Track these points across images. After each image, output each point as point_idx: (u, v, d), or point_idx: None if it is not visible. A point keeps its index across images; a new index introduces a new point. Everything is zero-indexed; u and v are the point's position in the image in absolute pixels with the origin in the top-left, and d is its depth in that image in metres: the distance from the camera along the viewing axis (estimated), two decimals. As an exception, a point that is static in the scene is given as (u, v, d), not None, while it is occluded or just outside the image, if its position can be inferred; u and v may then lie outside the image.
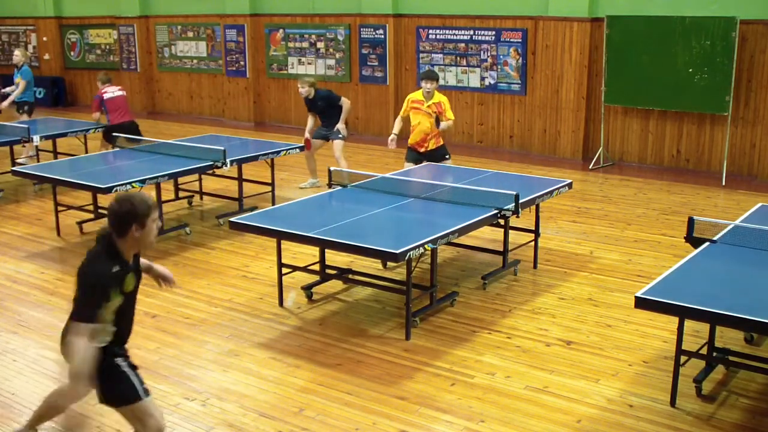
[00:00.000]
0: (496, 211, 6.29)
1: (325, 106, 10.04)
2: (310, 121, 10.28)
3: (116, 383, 3.80)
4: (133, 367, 3.89)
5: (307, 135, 10.14)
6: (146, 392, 3.84)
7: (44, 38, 18.45)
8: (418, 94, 8.42)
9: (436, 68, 13.07)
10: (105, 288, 3.60)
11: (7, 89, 12.03)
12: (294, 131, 14.36)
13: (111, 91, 10.45)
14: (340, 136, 10.03)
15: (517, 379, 5.13)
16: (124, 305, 3.78)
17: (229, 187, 9.68)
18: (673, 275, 4.84)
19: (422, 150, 8.46)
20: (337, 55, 14.17)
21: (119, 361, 3.83)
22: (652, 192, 10.03)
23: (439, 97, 8.38)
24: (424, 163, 8.34)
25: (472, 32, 12.63)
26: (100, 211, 8.50)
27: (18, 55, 12.06)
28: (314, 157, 10.26)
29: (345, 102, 10.07)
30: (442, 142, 8.55)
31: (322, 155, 10.67)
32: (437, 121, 8.26)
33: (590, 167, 11.44)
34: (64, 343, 3.77)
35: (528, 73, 12.18)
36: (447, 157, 8.66)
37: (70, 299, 6.55)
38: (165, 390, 5.03)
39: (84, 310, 3.60)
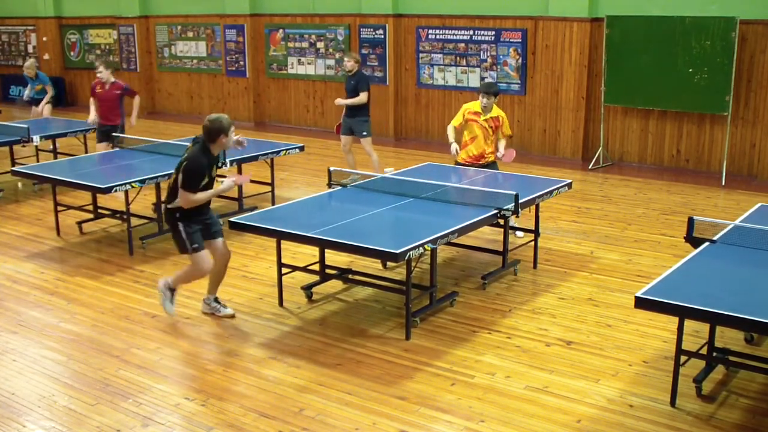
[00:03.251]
0: (495, 211, 6.29)
1: (353, 88, 10.06)
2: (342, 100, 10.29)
3: (176, 237, 5.88)
4: (190, 231, 5.81)
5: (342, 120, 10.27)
6: (195, 249, 5.82)
7: (44, 38, 18.45)
8: (476, 105, 7.85)
9: (435, 68, 13.09)
10: (201, 172, 5.70)
11: (25, 95, 12.97)
12: (294, 131, 14.38)
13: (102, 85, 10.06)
14: (364, 133, 10.10)
15: (517, 379, 5.13)
16: (207, 185, 5.80)
17: (229, 187, 9.66)
18: (673, 275, 4.84)
19: (479, 163, 7.90)
20: (337, 55, 14.17)
21: (181, 224, 5.79)
22: (652, 192, 10.03)
23: (497, 111, 7.87)
24: (426, 163, 8.32)
25: (471, 32, 12.63)
26: (99, 211, 8.50)
27: (29, 65, 12.78)
28: (350, 151, 10.33)
29: (363, 96, 10.00)
30: (494, 159, 7.97)
31: (325, 156, 10.65)
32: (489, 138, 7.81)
33: (590, 167, 11.44)
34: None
35: (528, 73, 12.19)
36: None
37: (69, 299, 6.58)
38: (165, 390, 5.03)
39: (190, 183, 5.66)
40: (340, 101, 10.11)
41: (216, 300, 6.20)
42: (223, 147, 5.88)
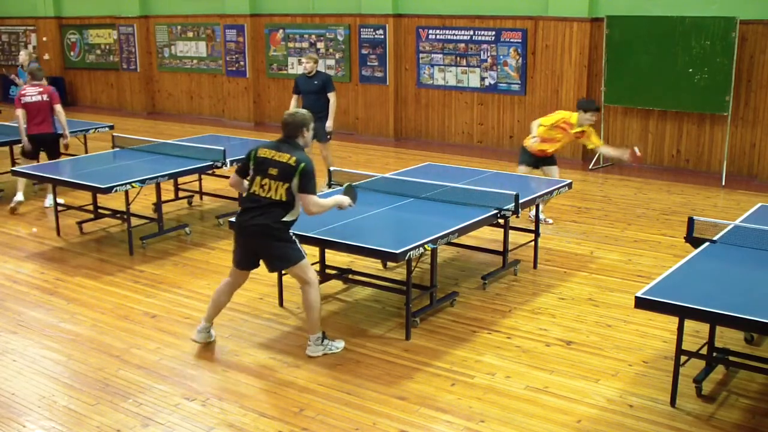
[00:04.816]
0: (495, 211, 6.29)
1: (319, 89, 9.73)
2: (294, 103, 9.91)
3: (289, 249, 5.31)
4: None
5: None
6: (305, 255, 5.37)
7: (44, 38, 18.45)
8: (573, 117, 8.21)
9: (435, 68, 13.09)
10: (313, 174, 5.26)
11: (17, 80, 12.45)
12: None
13: (29, 94, 9.12)
14: (328, 137, 9.82)
15: (517, 379, 5.13)
16: None
17: (229, 187, 9.65)
18: (673, 275, 4.84)
19: (540, 154, 8.44)
20: (337, 55, 14.17)
21: (291, 233, 5.36)
22: (652, 192, 10.03)
23: (587, 126, 8.27)
24: (426, 163, 8.32)
25: (471, 32, 12.63)
26: (99, 211, 8.50)
27: (23, 55, 12.32)
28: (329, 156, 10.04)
29: (333, 98, 9.78)
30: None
31: (321, 155, 10.64)
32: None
33: (590, 167, 11.44)
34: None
35: (528, 73, 12.19)
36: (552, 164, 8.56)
37: (69, 299, 6.57)
38: (165, 390, 5.03)
39: (313, 188, 5.22)
40: (330, 124, 9.69)
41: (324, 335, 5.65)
42: (307, 143, 5.45)
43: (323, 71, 10.10)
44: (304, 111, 5.49)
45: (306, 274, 5.36)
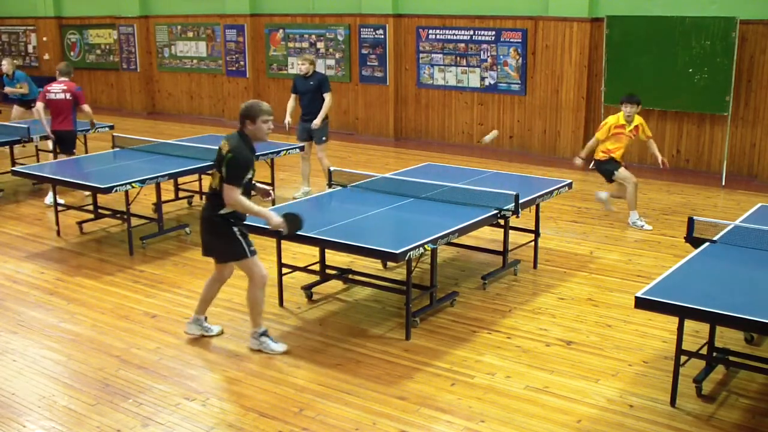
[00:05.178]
0: (496, 211, 6.29)
1: (314, 89, 9.64)
2: (291, 103, 9.93)
3: (229, 243, 5.32)
4: (245, 235, 5.36)
5: (288, 119, 9.79)
6: (253, 252, 5.36)
7: (44, 38, 18.46)
8: (619, 118, 8.37)
9: (435, 68, 13.09)
10: (246, 165, 5.20)
11: (7, 90, 12.45)
12: (294, 131, 14.35)
13: (54, 91, 9.35)
14: (324, 138, 9.73)
15: (517, 379, 5.13)
16: (251, 181, 5.33)
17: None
18: (673, 275, 4.85)
19: (609, 158, 8.52)
20: (337, 55, 14.17)
21: (235, 228, 5.31)
22: (652, 192, 10.03)
23: (638, 119, 8.43)
24: (426, 163, 8.32)
25: (472, 32, 12.63)
26: (100, 211, 8.50)
27: (5, 64, 12.34)
28: (309, 161, 9.91)
29: (328, 98, 9.65)
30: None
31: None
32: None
33: (590, 167, 11.43)
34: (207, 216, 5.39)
35: (528, 73, 12.18)
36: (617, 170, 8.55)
37: (69, 299, 6.59)
38: (165, 390, 5.03)
39: (235, 177, 5.13)
40: (318, 122, 9.56)
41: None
42: (256, 136, 5.33)
43: (321, 72, 10.07)
44: (254, 102, 5.42)
45: (250, 271, 5.43)
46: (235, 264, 5.49)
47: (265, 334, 5.56)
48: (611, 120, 8.46)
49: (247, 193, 5.31)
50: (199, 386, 5.09)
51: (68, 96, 9.31)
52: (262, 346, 5.53)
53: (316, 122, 9.55)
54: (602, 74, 11.32)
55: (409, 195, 6.82)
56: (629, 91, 8.56)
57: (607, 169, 8.54)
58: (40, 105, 9.34)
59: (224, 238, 5.32)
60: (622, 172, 8.48)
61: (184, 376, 5.22)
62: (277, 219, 5.33)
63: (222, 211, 5.26)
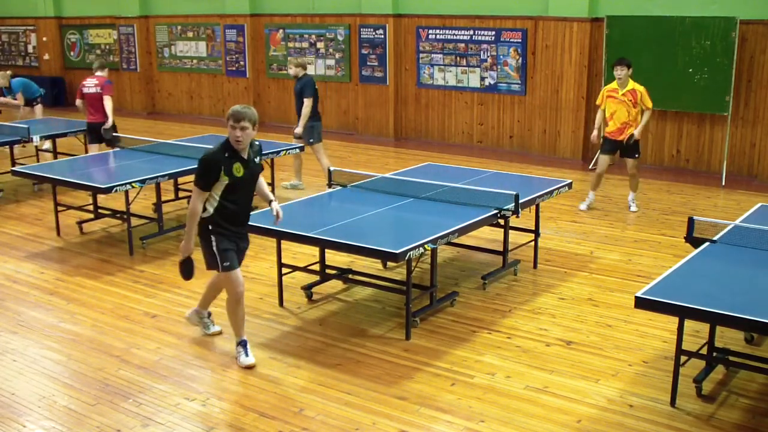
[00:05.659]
0: (495, 211, 6.29)
1: (297, 93, 9.78)
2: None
3: (206, 251, 5.23)
4: (224, 248, 5.15)
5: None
6: (226, 268, 5.17)
7: (44, 38, 18.46)
8: (613, 84, 8.69)
9: (435, 68, 13.09)
10: (209, 166, 4.99)
11: (2, 100, 12.72)
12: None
13: (88, 85, 9.88)
14: (311, 141, 9.74)
15: (517, 379, 5.13)
16: (234, 187, 5.08)
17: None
18: (673, 275, 4.84)
19: (621, 137, 8.73)
20: (337, 55, 14.17)
21: (213, 236, 5.14)
22: (652, 192, 10.03)
23: (634, 85, 8.57)
24: (426, 163, 8.32)
25: (472, 32, 12.63)
26: (100, 211, 8.50)
27: (2, 76, 12.57)
28: (301, 157, 10.02)
29: (308, 103, 9.65)
30: (638, 137, 8.75)
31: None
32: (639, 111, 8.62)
33: (590, 167, 11.43)
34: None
35: (528, 73, 12.18)
36: (637, 155, 8.83)
37: (69, 299, 6.59)
38: (165, 390, 5.03)
39: (198, 180, 5.03)
40: (298, 129, 9.64)
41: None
42: (230, 137, 5.05)
43: (310, 74, 10.10)
44: (234, 107, 5.05)
45: (222, 284, 5.39)
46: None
47: (241, 344, 5.38)
48: (606, 87, 8.77)
49: (235, 199, 5.12)
50: (199, 386, 5.09)
51: (99, 89, 9.82)
52: (236, 354, 5.38)
53: (297, 130, 9.71)
54: (602, 74, 11.32)
55: (409, 195, 6.82)
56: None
57: (603, 148, 8.99)
58: (78, 102, 9.92)
59: (202, 243, 5.22)
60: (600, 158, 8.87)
61: (184, 376, 5.22)
62: (190, 249, 5.19)
63: (203, 214, 5.13)
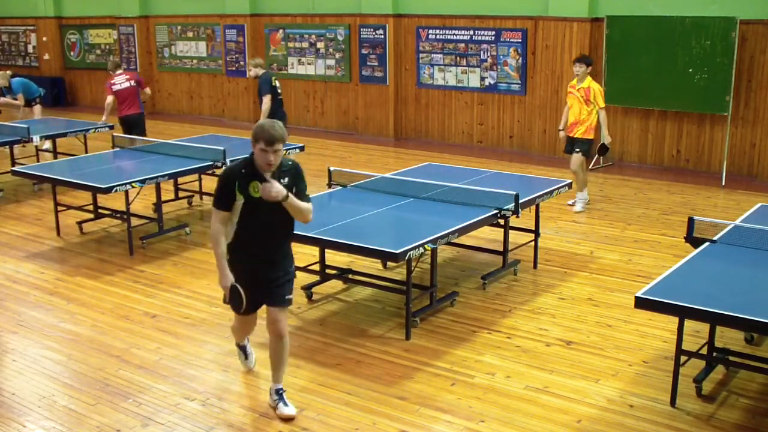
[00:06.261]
0: (495, 211, 6.29)
1: (258, 92, 9.86)
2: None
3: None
4: (237, 289, 4.51)
5: None
6: (237, 309, 4.60)
7: (44, 38, 18.45)
8: (574, 80, 8.86)
9: (435, 68, 13.09)
10: (225, 184, 4.45)
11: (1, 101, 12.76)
12: (294, 131, 14.34)
13: (119, 82, 10.38)
14: None
15: (517, 379, 5.13)
16: (249, 209, 4.45)
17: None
18: (673, 275, 4.84)
19: (571, 134, 8.89)
20: (337, 55, 14.17)
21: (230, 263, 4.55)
22: (652, 192, 10.03)
23: (591, 83, 8.68)
24: (426, 163, 8.32)
25: (472, 32, 12.63)
26: (100, 211, 8.50)
27: (1, 76, 12.61)
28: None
29: (264, 102, 9.65)
30: (590, 136, 8.80)
31: (325, 156, 10.66)
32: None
33: (590, 167, 11.43)
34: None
35: (528, 73, 12.18)
36: (577, 151, 8.89)
37: (69, 299, 6.57)
38: (165, 390, 5.03)
39: (216, 197, 4.52)
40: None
41: (278, 392, 4.75)
42: (260, 161, 4.39)
43: (270, 72, 10.12)
44: (260, 125, 4.47)
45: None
46: None
47: (276, 392, 4.78)
48: (571, 82, 8.90)
49: (253, 222, 4.50)
50: (199, 386, 5.09)
51: (132, 83, 10.39)
52: (272, 402, 4.79)
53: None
54: (602, 74, 11.31)
55: (409, 195, 6.82)
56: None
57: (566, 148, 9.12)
58: (110, 98, 10.31)
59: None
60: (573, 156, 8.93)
61: (184, 376, 5.22)
62: (225, 282, 4.53)
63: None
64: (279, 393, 4.73)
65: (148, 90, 10.82)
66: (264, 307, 4.67)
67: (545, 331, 5.87)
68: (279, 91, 10.01)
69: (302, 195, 4.58)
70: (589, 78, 8.79)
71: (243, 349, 5.22)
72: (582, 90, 8.69)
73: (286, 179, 4.51)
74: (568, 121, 9.04)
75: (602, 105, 8.78)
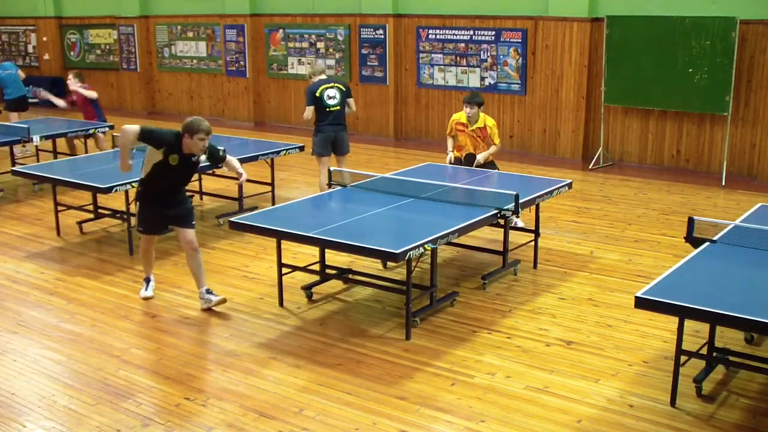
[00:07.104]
0: (496, 211, 6.29)
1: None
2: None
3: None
4: (146, 213, 6.26)
5: None
6: (140, 231, 6.37)
7: (44, 38, 18.45)
8: (461, 116, 8.16)
9: (435, 68, 13.09)
10: (161, 138, 5.97)
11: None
12: (294, 131, 14.36)
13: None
14: (311, 151, 9.56)
15: (517, 379, 5.13)
16: (162, 169, 6.00)
17: (229, 187, 9.69)
18: (673, 275, 4.84)
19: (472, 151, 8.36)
20: (337, 55, 14.17)
21: (140, 197, 6.24)
22: (652, 192, 10.03)
23: (485, 120, 8.12)
24: (426, 163, 8.33)
25: (471, 32, 12.63)
26: (100, 211, 8.50)
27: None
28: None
29: (305, 115, 9.46)
30: (490, 160, 8.26)
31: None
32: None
33: (590, 167, 11.44)
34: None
35: (528, 73, 12.18)
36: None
37: (69, 299, 6.58)
38: (165, 390, 5.03)
39: (153, 131, 6.01)
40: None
41: (208, 291, 6.30)
42: (189, 148, 6.00)
43: (320, 80, 9.92)
44: (195, 119, 6.02)
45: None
46: None
47: (148, 279, 6.62)
48: (455, 116, 8.27)
49: (164, 180, 6.10)
50: (199, 386, 5.09)
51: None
52: (205, 302, 6.30)
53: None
54: (602, 74, 11.32)
55: (409, 195, 6.82)
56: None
57: None
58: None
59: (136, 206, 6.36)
60: None
61: (184, 376, 5.22)
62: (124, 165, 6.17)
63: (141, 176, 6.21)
64: (208, 291, 6.26)
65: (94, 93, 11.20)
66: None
67: (545, 331, 5.87)
68: (328, 102, 9.31)
69: (217, 154, 6.44)
70: (482, 115, 8.14)
71: (147, 281, 6.61)
72: (477, 130, 8.11)
73: (203, 157, 6.21)
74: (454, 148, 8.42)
75: (498, 143, 8.23)
